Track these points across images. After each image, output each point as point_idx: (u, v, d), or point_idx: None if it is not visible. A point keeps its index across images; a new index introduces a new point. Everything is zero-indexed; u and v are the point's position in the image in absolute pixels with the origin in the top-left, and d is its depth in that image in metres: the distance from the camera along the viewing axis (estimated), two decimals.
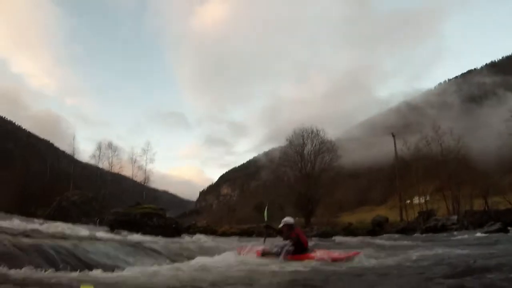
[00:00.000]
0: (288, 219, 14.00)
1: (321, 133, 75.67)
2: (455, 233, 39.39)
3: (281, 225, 13.92)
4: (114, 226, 33.20)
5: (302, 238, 13.14)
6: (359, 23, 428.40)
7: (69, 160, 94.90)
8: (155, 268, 8.46)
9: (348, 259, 11.92)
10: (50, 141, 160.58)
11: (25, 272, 6.19)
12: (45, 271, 6.56)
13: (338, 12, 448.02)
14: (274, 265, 10.65)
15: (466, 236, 30.92)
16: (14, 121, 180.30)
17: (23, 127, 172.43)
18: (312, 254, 12.50)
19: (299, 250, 12.75)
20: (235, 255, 12.62)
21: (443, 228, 45.37)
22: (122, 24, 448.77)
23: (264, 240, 15.49)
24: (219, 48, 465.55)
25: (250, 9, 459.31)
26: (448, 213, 61.99)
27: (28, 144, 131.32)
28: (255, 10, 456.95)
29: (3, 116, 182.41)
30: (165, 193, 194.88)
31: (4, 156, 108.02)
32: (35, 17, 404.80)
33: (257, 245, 13.95)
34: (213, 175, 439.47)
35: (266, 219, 17.31)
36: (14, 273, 5.96)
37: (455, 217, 49.19)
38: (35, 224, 19.49)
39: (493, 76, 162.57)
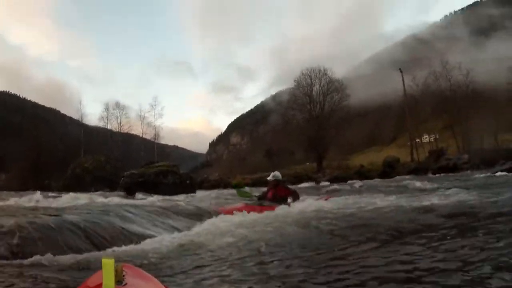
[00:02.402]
0: (276, 174, 14.17)
1: (328, 72, 75.18)
2: (467, 172, 39.45)
3: (270, 178, 14.03)
4: (130, 189, 33.35)
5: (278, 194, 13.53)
6: None
7: (78, 125, 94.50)
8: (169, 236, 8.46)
9: None
10: (57, 109, 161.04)
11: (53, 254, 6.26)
12: (69, 251, 6.64)
13: None
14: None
15: (479, 175, 30.83)
16: (18, 94, 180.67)
17: (28, 99, 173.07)
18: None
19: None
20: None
21: (455, 168, 45.41)
22: None
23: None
24: None
25: None
26: (458, 151, 62.12)
27: (35, 115, 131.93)
28: None
29: (7, 91, 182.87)
30: (175, 148, 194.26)
31: (12, 130, 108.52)
32: None
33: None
34: (222, 125, 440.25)
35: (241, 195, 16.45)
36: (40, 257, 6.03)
37: (466, 156, 49.13)
38: (52, 198, 19.57)
39: (500, 8, 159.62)
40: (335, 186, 32.56)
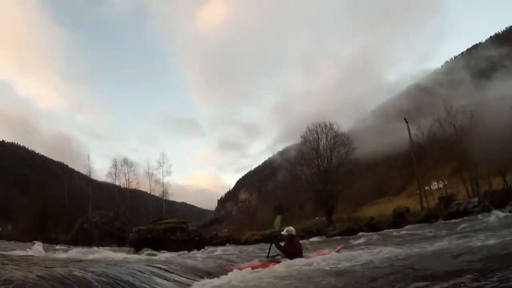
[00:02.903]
0: (291, 229, 14.14)
1: (334, 126, 75.55)
2: (478, 216, 39.13)
3: (284, 232, 14.02)
4: (138, 245, 33.22)
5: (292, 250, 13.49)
6: (361, 7, 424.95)
7: (85, 180, 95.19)
8: None
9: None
10: (65, 163, 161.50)
11: None
12: None
13: None
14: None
15: (489, 218, 30.62)
16: (27, 146, 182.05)
17: (37, 151, 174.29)
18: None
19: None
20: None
21: (465, 212, 45.06)
22: (125, 35, 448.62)
23: (268, 254, 14.80)
24: (225, 48, 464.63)
25: (251, 5, 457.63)
26: (468, 196, 61.67)
27: (43, 168, 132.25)
28: (257, 5, 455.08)
29: (16, 142, 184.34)
30: (183, 205, 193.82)
31: (20, 182, 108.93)
32: (37, 38, 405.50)
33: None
34: (230, 181, 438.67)
35: (277, 228, 16.87)
36: None
37: (475, 199, 48.83)
38: (60, 251, 19.55)
39: (499, 48, 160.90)
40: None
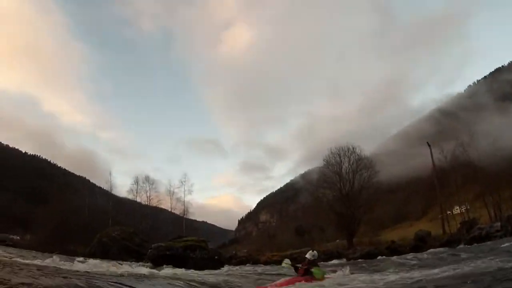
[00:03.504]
0: (315, 254, 15.10)
1: (357, 150, 75.48)
2: (502, 239, 38.69)
3: (309, 256, 14.30)
4: (156, 261, 33.21)
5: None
6: (385, 34, 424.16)
7: (107, 195, 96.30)
8: None
9: None
10: (86, 178, 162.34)
11: None
12: None
13: (364, 24, 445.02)
14: None
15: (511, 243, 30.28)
16: (49, 159, 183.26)
17: (59, 165, 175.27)
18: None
19: None
20: None
21: (487, 237, 44.59)
22: (150, 56, 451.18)
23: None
24: (249, 71, 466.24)
25: (276, 29, 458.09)
26: (490, 220, 61.03)
27: (65, 181, 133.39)
28: (281, 29, 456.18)
29: (38, 155, 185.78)
30: (204, 224, 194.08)
31: (41, 194, 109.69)
32: (64, 55, 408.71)
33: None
34: (251, 202, 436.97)
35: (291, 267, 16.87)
36: None
37: (498, 224, 48.35)
38: (79, 263, 19.57)
39: None
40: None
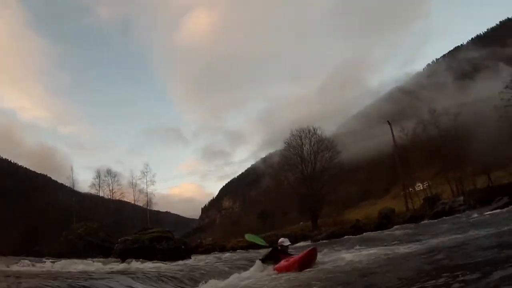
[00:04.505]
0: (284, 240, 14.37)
1: (318, 131, 75.88)
2: (465, 213, 39.17)
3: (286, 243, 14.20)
4: (124, 255, 32.83)
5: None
6: (346, 14, 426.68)
7: (69, 192, 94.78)
8: None
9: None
10: (48, 175, 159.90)
11: None
12: None
13: (324, 4, 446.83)
14: None
15: (476, 215, 30.65)
16: (9, 159, 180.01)
17: (19, 164, 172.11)
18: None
19: None
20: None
21: (451, 211, 45.08)
22: (108, 46, 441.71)
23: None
24: (209, 56, 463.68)
25: (235, 13, 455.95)
26: (452, 195, 61.84)
27: (26, 180, 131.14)
28: (240, 13, 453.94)
29: None
30: (167, 214, 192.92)
31: (3, 195, 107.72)
32: (21, 49, 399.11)
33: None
34: (214, 189, 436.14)
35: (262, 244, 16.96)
36: None
37: (461, 198, 49.13)
38: (48, 265, 19.24)
39: (480, 50, 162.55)
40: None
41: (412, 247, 13.78)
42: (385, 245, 17.56)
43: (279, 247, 13.92)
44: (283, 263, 12.57)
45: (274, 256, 13.65)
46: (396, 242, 19.36)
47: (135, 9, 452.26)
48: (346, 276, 9.09)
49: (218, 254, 43.09)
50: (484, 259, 7.78)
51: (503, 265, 6.43)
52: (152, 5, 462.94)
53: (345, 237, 44.74)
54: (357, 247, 18.70)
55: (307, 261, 12.15)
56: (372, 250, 14.30)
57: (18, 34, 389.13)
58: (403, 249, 13.70)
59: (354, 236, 42.45)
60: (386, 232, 38.70)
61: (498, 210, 31.26)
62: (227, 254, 38.30)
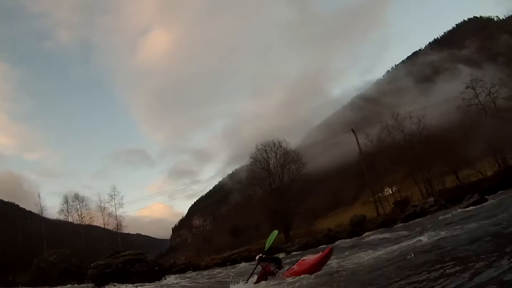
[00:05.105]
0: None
1: (283, 144, 76.20)
2: (437, 213, 39.53)
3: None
4: (98, 280, 32.55)
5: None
6: (303, 26, 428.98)
7: (38, 219, 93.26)
8: None
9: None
10: (15, 203, 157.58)
11: None
12: None
13: (281, 17, 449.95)
14: None
15: (449, 215, 30.85)
16: None
17: None
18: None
19: None
20: None
21: (422, 213, 45.53)
22: (69, 70, 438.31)
23: (251, 274, 14.94)
24: (170, 76, 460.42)
25: (193, 31, 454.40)
26: (422, 197, 62.50)
27: None
28: (198, 31, 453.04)
29: None
30: (138, 236, 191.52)
31: None
32: None
33: None
34: (183, 208, 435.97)
35: (267, 247, 16.02)
36: None
37: (431, 199, 49.58)
38: None
39: (438, 53, 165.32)
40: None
41: (393, 249, 13.84)
42: (365, 250, 17.64)
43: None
44: (295, 267, 12.70)
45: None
46: (373, 246, 19.46)
47: (94, 32, 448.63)
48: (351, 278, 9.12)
49: (193, 273, 43.06)
50: (460, 255, 7.86)
51: (480, 261, 6.50)
52: (111, 27, 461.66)
53: (320, 246, 44.84)
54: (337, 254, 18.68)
55: (321, 264, 12.21)
56: (355, 255, 14.39)
57: None
58: (382, 252, 13.77)
59: (327, 246, 42.58)
60: (360, 238, 38.88)
61: (470, 208, 31.55)
62: (203, 272, 38.28)
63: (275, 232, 16.95)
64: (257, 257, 15.05)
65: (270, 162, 75.77)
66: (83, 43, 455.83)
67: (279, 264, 14.34)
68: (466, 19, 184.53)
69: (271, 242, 16.26)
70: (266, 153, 75.97)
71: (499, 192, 39.32)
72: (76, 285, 35.46)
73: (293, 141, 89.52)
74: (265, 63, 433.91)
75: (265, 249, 15.67)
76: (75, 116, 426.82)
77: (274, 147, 76.26)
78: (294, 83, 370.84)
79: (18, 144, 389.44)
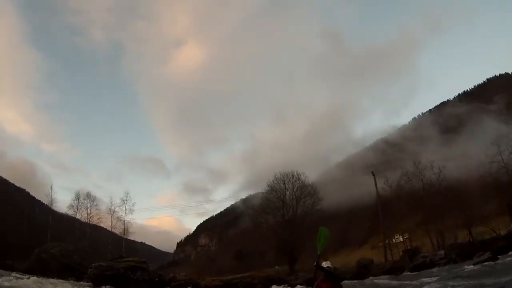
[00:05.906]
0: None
1: (301, 176, 75.69)
2: (446, 267, 39.02)
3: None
4: (97, 281, 32.38)
5: None
6: (334, 61, 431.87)
7: (46, 210, 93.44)
8: None
9: None
10: (26, 190, 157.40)
11: None
12: None
13: (313, 50, 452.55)
14: None
15: (456, 270, 30.41)
16: None
17: None
18: None
19: None
20: None
21: (431, 264, 44.95)
22: (98, 69, 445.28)
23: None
24: (195, 91, 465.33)
25: (226, 50, 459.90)
26: (433, 249, 61.83)
27: (3, 192, 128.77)
28: (231, 51, 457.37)
29: None
30: (142, 245, 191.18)
31: None
32: (12, 59, 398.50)
33: None
34: (191, 225, 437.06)
35: (319, 250, 13.36)
36: None
37: (442, 252, 49.03)
38: (19, 280, 18.73)
39: (466, 105, 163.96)
40: None
41: None
42: None
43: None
44: None
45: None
46: None
47: (128, 35, 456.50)
48: None
49: None
50: None
51: None
52: (145, 34, 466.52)
53: None
54: None
55: None
56: None
57: (13, 44, 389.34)
58: None
59: None
60: (366, 281, 38.38)
61: (479, 265, 31.04)
62: None
63: (325, 229, 14.03)
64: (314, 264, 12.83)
65: (287, 193, 74.99)
66: (115, 44, 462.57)
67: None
68: (497, 74, 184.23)
69: (324, 244, 13.76)
70: (284, 184, 75.28)
71: (509, 253, 38.67)
72: (73, 281, 35.18)
73: (311, 175, 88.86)
74: (291, 91, 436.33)
75: (318, 252, 13.33)
76: (96, 114, 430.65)
77: (293, 178, 75.54)
78: (318, 116, 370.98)
79: (37, 134, 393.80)
